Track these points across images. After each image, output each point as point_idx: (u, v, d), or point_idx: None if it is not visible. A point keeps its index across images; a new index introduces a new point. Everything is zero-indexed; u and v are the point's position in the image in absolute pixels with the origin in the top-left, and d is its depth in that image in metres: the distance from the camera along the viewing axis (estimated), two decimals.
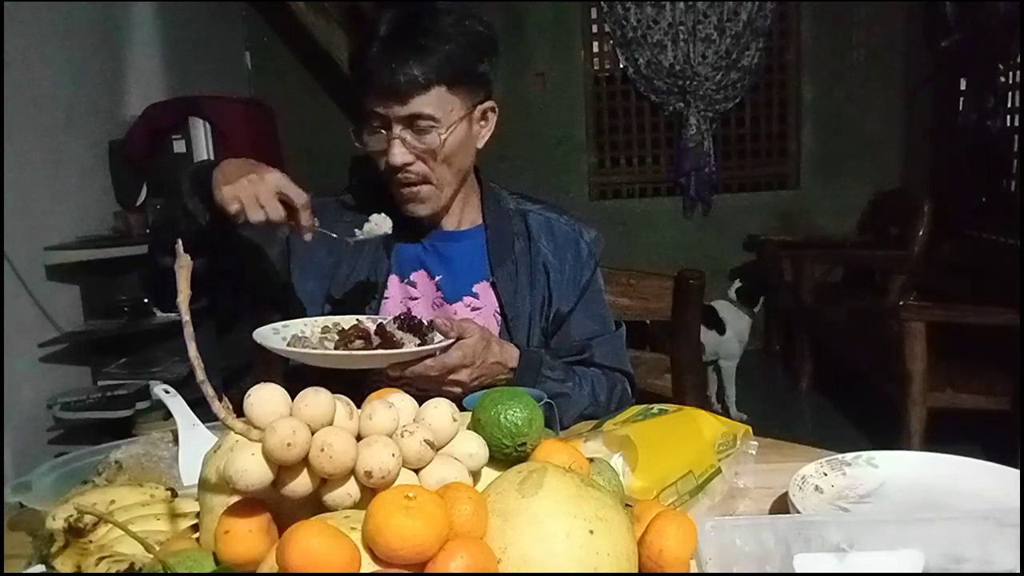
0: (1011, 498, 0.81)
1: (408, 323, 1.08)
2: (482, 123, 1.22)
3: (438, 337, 1.07)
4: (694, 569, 0.65)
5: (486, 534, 0.59)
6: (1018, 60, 3.45)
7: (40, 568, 0.71)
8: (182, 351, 0.69)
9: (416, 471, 0.65)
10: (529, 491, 0.61)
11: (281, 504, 0.61)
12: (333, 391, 0.63)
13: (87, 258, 2.55)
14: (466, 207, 1.29)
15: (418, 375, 1.04)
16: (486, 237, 1.27)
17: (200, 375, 0.60)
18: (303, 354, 1.01)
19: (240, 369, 2.56)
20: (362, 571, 0.54)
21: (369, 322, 1.10)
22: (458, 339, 1.06)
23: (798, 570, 0.64)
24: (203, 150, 2.89)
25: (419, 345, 1.04)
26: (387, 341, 1.03)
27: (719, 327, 3.43)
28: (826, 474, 0.90)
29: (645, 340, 2.82)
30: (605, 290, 1.37)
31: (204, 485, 0.68)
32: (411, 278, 1.26)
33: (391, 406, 0.65)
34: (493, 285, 1.26)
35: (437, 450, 0.66)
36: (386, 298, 1.24)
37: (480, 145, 1.23)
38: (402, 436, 0.64)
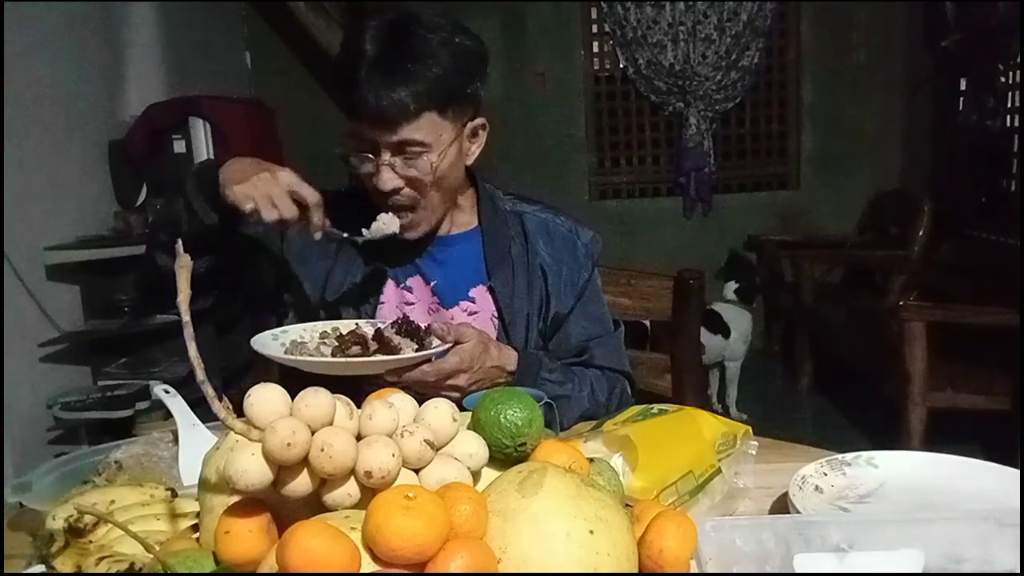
0: (1011, 498, 0.81)
1: (406, 328, 1.07)
2: (472, 140, 1.20)
3: (436, 342, 1.06)
4: (694, 569, 0.65)
5: (486, 534, 0.59)
6: (1018, 60, 3.45)
7: (40, 568, 0.71)
8: (182, 351, 0.69)
9: (416, 471, 0.65)
10: (529, 491, 0.61)
11: (281, 504, 0.61)
12: (333, 391, 0.63)
13: (87, 258, 2.54)
14: (461, 210, 1.27)
15: (416, 380, 1.03)
16: (482, 240, 1.25)
17: (200, 375, 0.61)
18: (301, 362, 1.00)
19: (240, 369, 2.56)
20: (362, 571, 0.54)
21: (367, 327, 1.09)
22: (456, 344, 1.06)
23: (798, 570, 0.64)
24: (203, 150, 2.89)
25: (417, 350, 1.04)
26: (385, 346, 1.03)
27: (724, 331, 3.43)
28: (826, 474, 0.90)
29: (645, 340, 2.83)
30: (605, 290, 1.36)
31: (204, 485, 0.69)
32: (407, 283, 1.25)
33: (391, 406, 0.65)
34: (490, 289, 1.24)
35: (437, 450, 0.66)
36: (382, 302, 1.23)
37: (470, 162, 1.21)
38: (402, 436, 0.64)
